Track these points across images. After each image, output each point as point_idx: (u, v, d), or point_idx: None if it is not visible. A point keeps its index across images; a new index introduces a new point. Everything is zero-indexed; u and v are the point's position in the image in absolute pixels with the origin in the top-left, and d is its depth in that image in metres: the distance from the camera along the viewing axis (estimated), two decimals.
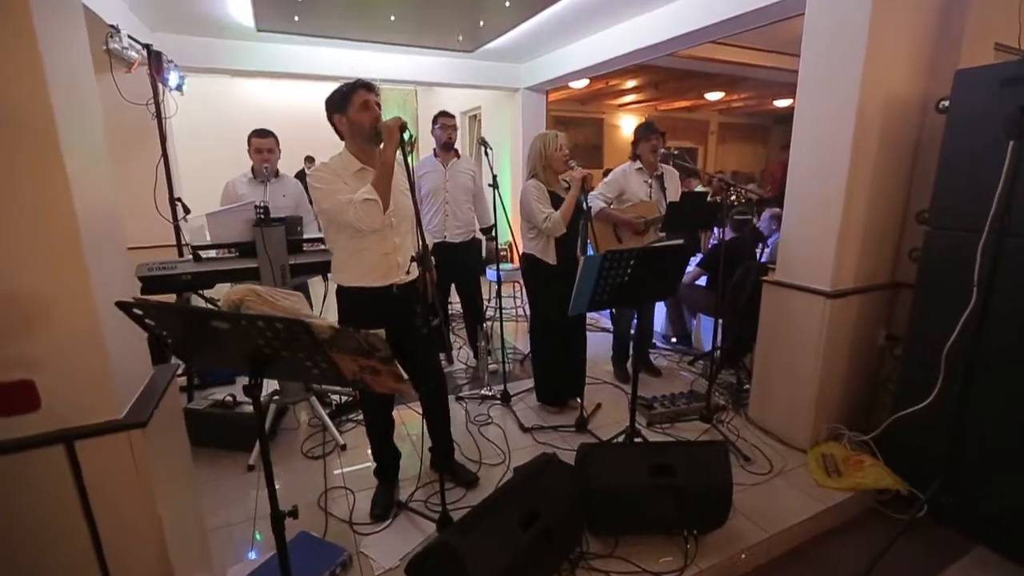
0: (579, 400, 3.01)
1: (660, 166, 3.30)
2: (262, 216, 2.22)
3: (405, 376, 1.15)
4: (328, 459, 2.60)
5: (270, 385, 2.89)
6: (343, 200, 1.78)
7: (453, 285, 3.61)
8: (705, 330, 4.12)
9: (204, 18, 3.80)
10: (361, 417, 3.00)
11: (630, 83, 8.58)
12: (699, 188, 6.39)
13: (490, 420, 2.98)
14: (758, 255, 3.42)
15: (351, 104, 1.85)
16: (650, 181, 3.26)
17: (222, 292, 1.53)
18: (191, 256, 2.26)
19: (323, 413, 2.75)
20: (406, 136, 1.74)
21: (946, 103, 2.14)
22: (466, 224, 3.54)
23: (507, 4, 3.42)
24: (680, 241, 2.30)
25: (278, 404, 2.78)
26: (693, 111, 10.85)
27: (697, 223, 3.01)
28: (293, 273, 2.44)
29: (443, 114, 3.50)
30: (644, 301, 2.63)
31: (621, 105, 10.47)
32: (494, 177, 2.89)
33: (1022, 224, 1.87)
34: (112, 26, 2.99)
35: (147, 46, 3.44)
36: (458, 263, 3.48)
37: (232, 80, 6.73)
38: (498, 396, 3.18)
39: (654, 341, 4.15)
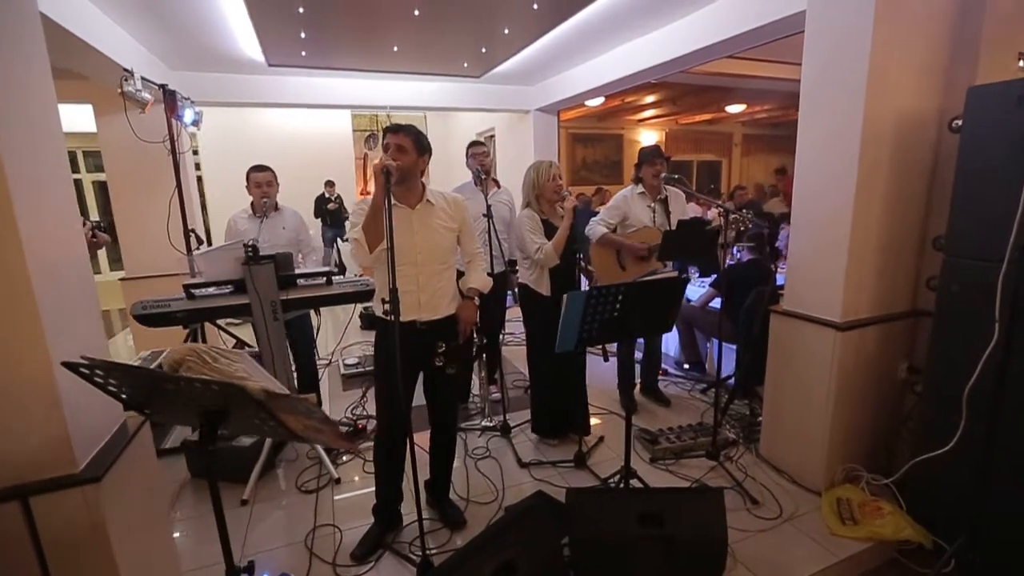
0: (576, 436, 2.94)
1: (664, 189, 3.21)
2: (251, 254, 2.25)
3: (343, 435, 1.12)
4: (321, 493, 2.59)
5: None
6: (349, 236, 1.83)
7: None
8: (719, 356, 3.95)
9: (218, 55, 3.96)
10: (364, 446, 2.99)
11: (648, 99, 8.51)
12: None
13: (487, 454, 2.91)
14: (776, 277, 3.28)
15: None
16: (653, 205, 3.16)
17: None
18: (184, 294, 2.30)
19: (318, 445, 2.74)
20: (391, 180, 1.73)
21: (959, 122, 2.00)
22: (500, 256, 3.30)
23: (506, 31, 3.43)
24: (674, 273, 2.21)
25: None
26: (715, 124, 10.65)
27: (695, 252, 2.89)
28: (286, 308, 2.45)
29: (477, 143, 3.40)
30: (638, 336, 2.52)
31: (640, 120, 10.38)
32: (488, 207, 2.85)
33: None
34: (127, 70, 3.13)
35: (162, 86, 3.60)
36: (489, 295, 3.26)
37: (256, 109, 7.00)
38: (498, 427, 3.11)
39: (665, 367, 4.00)
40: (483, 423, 3.23)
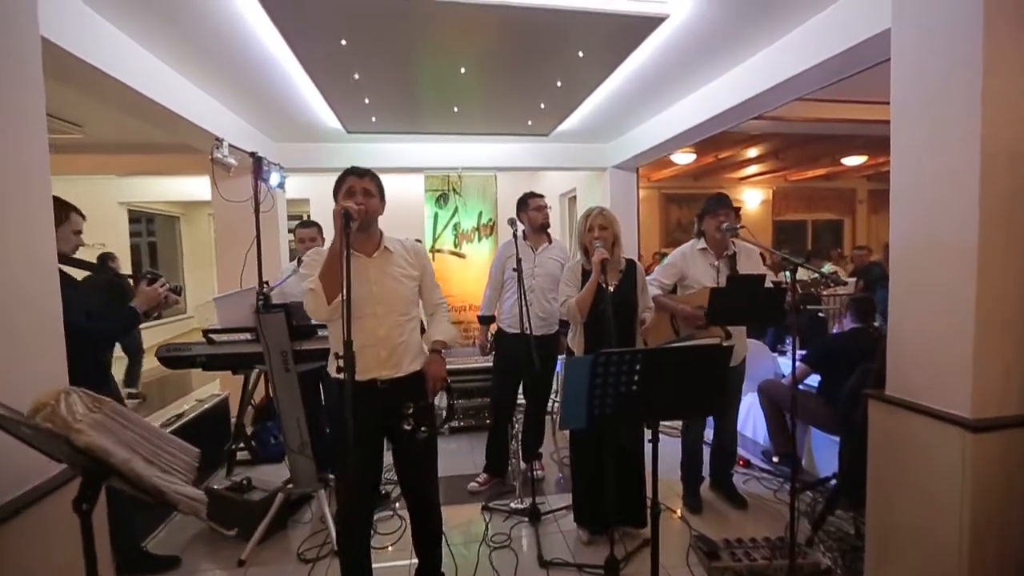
0: (627, 530, 2.46)
1: (735, 244, 2.75)
2: (262, 302, 2.24)
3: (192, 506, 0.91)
4: (319, 564, 2.37)
5: (282, 471, 2.82)
6: (304, 287, 1.71)
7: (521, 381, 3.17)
8: (819, 449, 3.16)
9: (306, 126, 4.39)
10: (376, 517, 2.76)
11: (747, 153, 7.92)
12: (826, 269, 5.37)
13: (507, 542, 2.50)
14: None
15: (340, 191, 1.82)
16: (717, 264, 2.70)
17: None
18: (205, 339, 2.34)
19: (327, 511, 2.56)
20: (352, 225, 1.60)
21: None
22: (549, 315, 3.05)
23: (559, 84, 3.34)
24: (716, 340, 1.76)
25: (288, 494, 2.66)
26: (832, 179, 9.54)
27: (753, 315, 2.33)
28: (298, 359, 2.39)
29: (533, 195, 3.16)
30: (669, 416, 1.99)
31: (743, 178, 9.67)
32: (518, 261, 2.62)
33: None
34: (218, 138, 3.53)
35: (252, 153, 4.04)
36: (530, 357, 2.70)
37: None
38: (527, 512, 2.70)
39: (746, 457, 3.30)
40: (512, 504, 2.83)
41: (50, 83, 2.63)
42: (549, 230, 3.20)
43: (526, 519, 2.68)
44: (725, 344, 1.69)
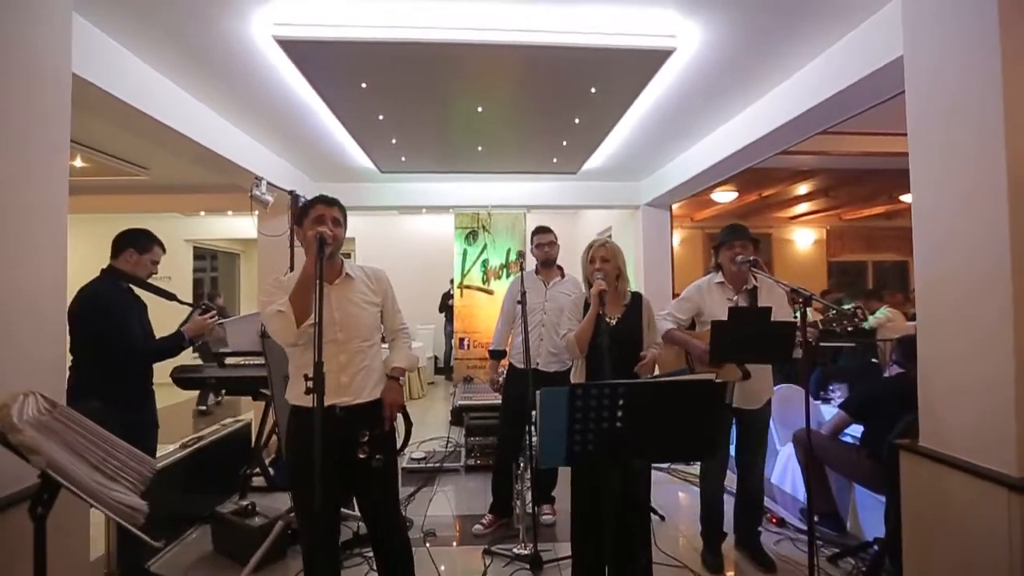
0: None
1: (756, 278, 2.59)
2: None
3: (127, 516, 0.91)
4: None
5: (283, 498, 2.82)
6: (268, 312, 1.73)
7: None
8: (865, 508, 2.81)
9: (344, 167, 4.66)
10: (372, 552, 2.69)
11: (796, 191, 7.60)
12: (882, 312, 4.94)
13: None
14: None
15: (307, 217, 1.84)
16: (735, 298, 2.55)
17: None
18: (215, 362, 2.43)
19: None
20: (327, 250, 1.64)
21: None
22: (561, 350, 2.91)
23: (576, 121, 3.37)
24: (709, 376, 1.63)
25: (288, 522, 2.64)
26: (894, 217, 8.92)
27: (758, 350, 2.11)
28: None
29: (539, 230, 3.15)
30: (659, 458, 1.82)
31: (793, 217, 9.25)
32: (523, 294, 2.59)
33: None
34: (257, 177, 3.80)
35: (290, 192, 4.31)
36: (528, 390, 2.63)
37: (397, 217, 7.99)
38: (528, 558, 2.54)
39: (782, 515, 2.98)
40: (515, 550, 2.68)
41: (115, 129, 2.98)
42: (559, 264, 3.16)
43: (528, 567, 2.52)
44: (727, 381, 1.57)
